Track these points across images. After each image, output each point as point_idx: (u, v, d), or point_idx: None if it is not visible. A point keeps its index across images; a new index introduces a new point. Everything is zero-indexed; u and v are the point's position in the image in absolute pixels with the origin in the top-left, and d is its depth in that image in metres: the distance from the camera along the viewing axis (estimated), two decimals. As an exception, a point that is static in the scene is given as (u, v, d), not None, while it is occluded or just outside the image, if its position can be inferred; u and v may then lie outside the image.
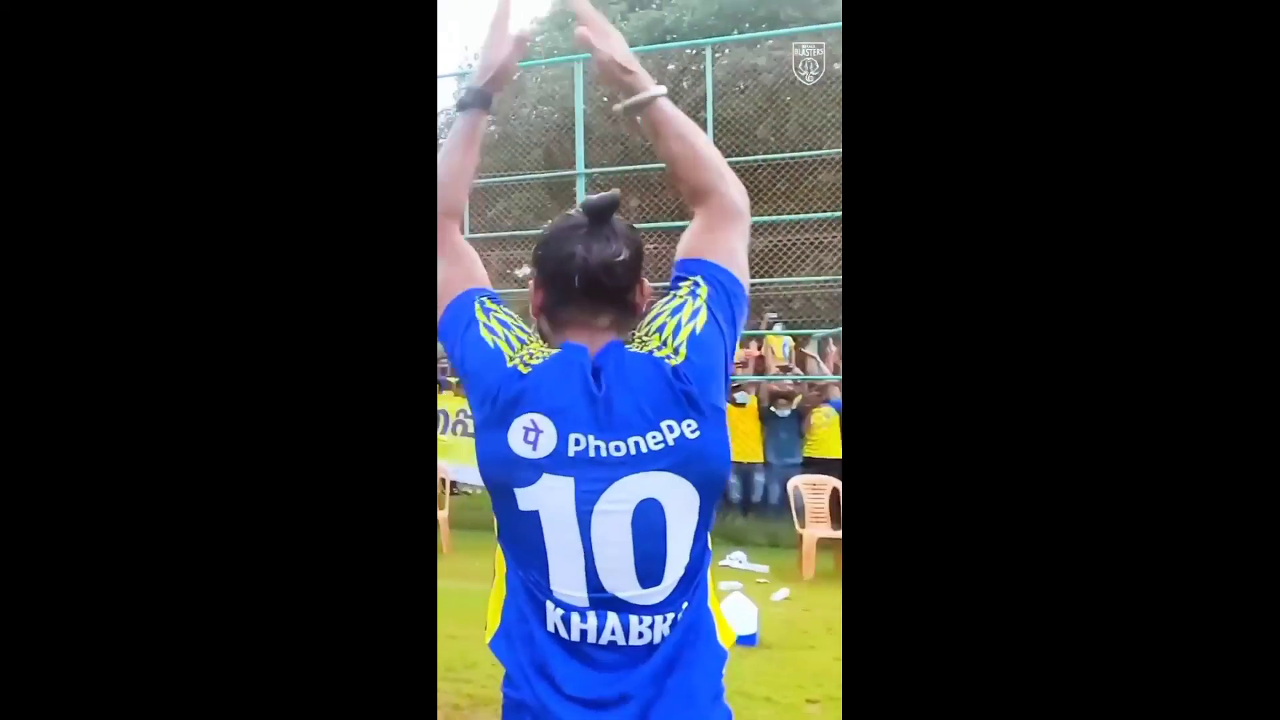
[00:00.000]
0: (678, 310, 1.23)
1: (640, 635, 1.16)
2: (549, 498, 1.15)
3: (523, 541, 1.18)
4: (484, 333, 1.22)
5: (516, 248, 10.09)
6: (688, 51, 12.03)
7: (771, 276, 9.84)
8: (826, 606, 5.26)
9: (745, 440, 7.65)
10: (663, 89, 1.29)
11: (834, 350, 8.32)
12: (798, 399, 7.89)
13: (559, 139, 10.80)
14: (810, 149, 9.62)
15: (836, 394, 7.68)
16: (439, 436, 7.85)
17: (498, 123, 11.72)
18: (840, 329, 7.42)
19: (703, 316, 1.22)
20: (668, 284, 1.29)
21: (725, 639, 1.23)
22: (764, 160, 9.44)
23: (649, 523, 1.15)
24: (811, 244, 10.25)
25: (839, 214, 8.71)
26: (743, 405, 7.75)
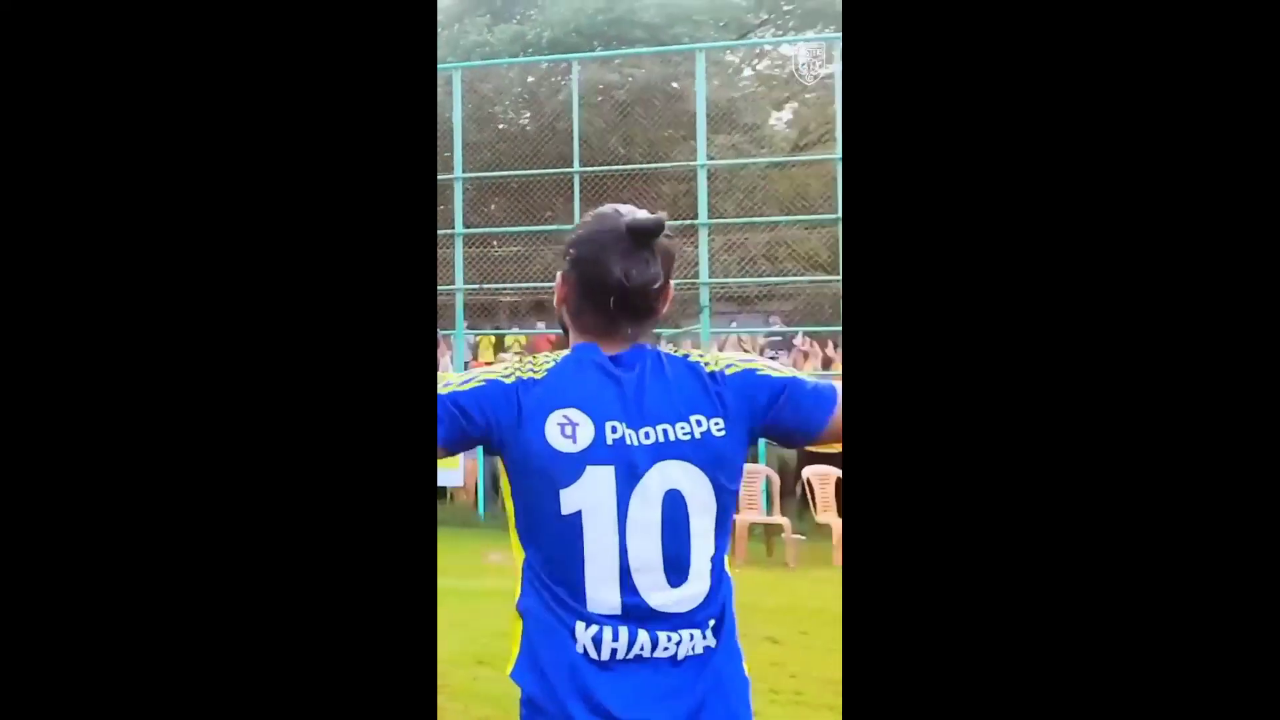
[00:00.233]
0: (753, 362, 1.28)
1: (666, 649, 1.17)
2: (592, 494, 1.16)
3: (559, 551, 1.18)
4: (465, 388, 1.20)
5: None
6: (543, 66, 12.77)
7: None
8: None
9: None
10: None
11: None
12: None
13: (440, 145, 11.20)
14: (655, 162, 10.35)
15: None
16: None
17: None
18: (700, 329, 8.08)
19: (769, 378, 1.24)
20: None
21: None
22: (616, 170, 9.96)
23: (674, 514, 1.18)
24: (657, 249, 10.85)
25: (680, 222, 9.48)
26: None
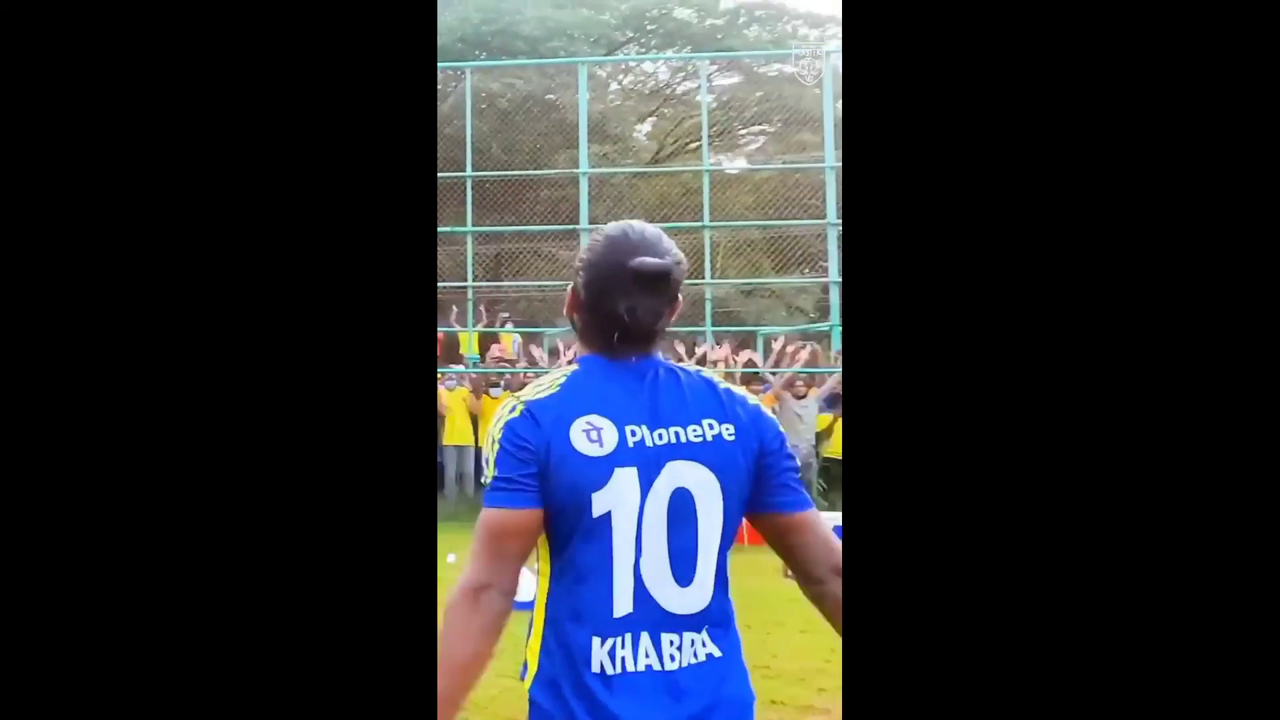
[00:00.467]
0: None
1: (673, 659, 1.21)
2: (620, 495, 1.20)
3: (589, 556, 1.20)
4: (505, 453, 1.20)
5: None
6: (431, 73, 13.52)
7: (501, 280, 11.11)
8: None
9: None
10: None
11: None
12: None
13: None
14: (535, 168, 11.15)
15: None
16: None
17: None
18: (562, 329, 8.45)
19: (780, 433, 1.30)
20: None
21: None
22: (497, 176, 10.82)
23: (681, 512, 1.22)
24: (532, 252, 11.83)
25: (558, 228, 10.55)
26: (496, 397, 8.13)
